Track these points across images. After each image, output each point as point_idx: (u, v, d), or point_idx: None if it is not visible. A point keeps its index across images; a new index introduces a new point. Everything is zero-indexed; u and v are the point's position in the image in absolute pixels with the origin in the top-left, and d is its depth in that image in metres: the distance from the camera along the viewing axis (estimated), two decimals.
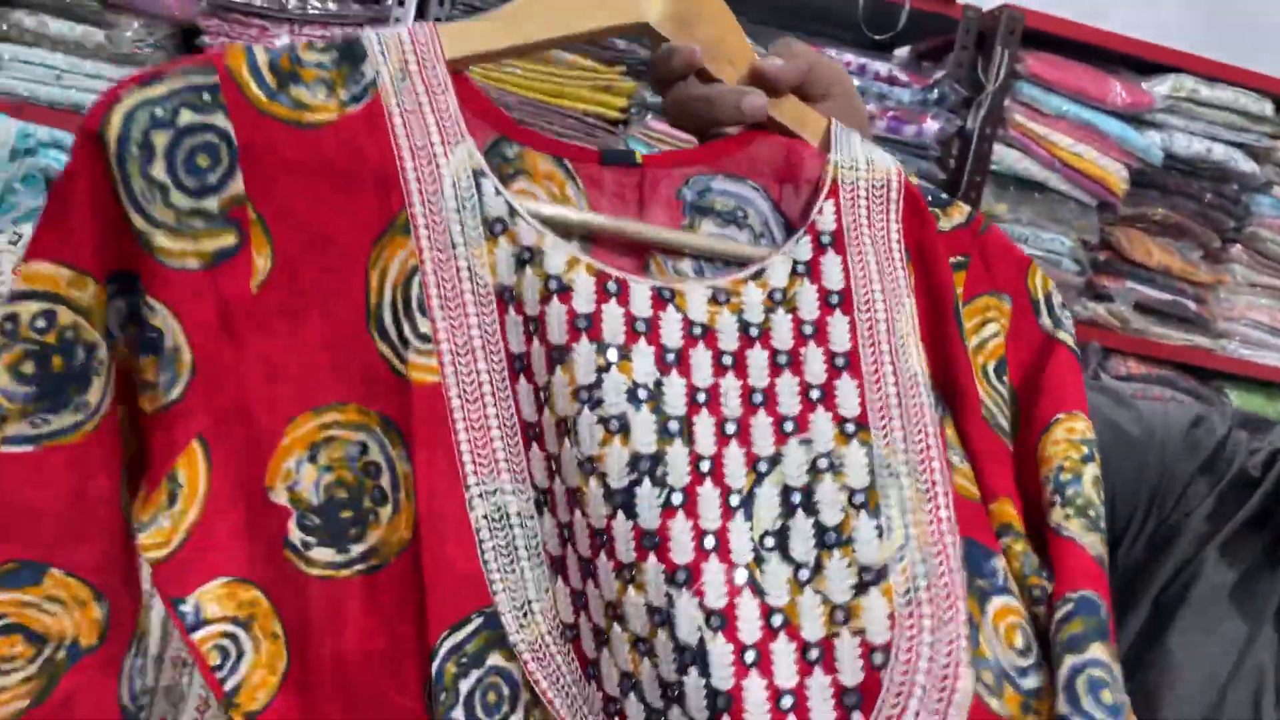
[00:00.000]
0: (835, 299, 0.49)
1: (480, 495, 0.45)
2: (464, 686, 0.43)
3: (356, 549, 0.45)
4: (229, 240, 0.44)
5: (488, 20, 0.50)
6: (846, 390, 0.48)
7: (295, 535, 0.44)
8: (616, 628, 0.44)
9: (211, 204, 0.44)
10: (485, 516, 0.45)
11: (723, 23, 0.53)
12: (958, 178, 1.66)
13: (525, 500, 0.46)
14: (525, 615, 0.45)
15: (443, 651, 0.43)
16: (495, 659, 0.44)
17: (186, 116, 0.43)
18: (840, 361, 0.49)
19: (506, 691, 0.44)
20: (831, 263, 0.50)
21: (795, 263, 0.50)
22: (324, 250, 0.45)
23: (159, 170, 0.43)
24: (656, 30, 0.51)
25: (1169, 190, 1.77)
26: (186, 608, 0.42)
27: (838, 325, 0.49)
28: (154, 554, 0.42)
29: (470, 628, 0.44)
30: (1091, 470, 0.51)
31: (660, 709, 0.43)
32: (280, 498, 0.44)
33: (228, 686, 0.42)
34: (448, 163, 0.46)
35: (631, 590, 0.43)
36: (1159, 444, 0.75)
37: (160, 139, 0.43)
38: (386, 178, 0.46)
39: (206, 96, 0.44)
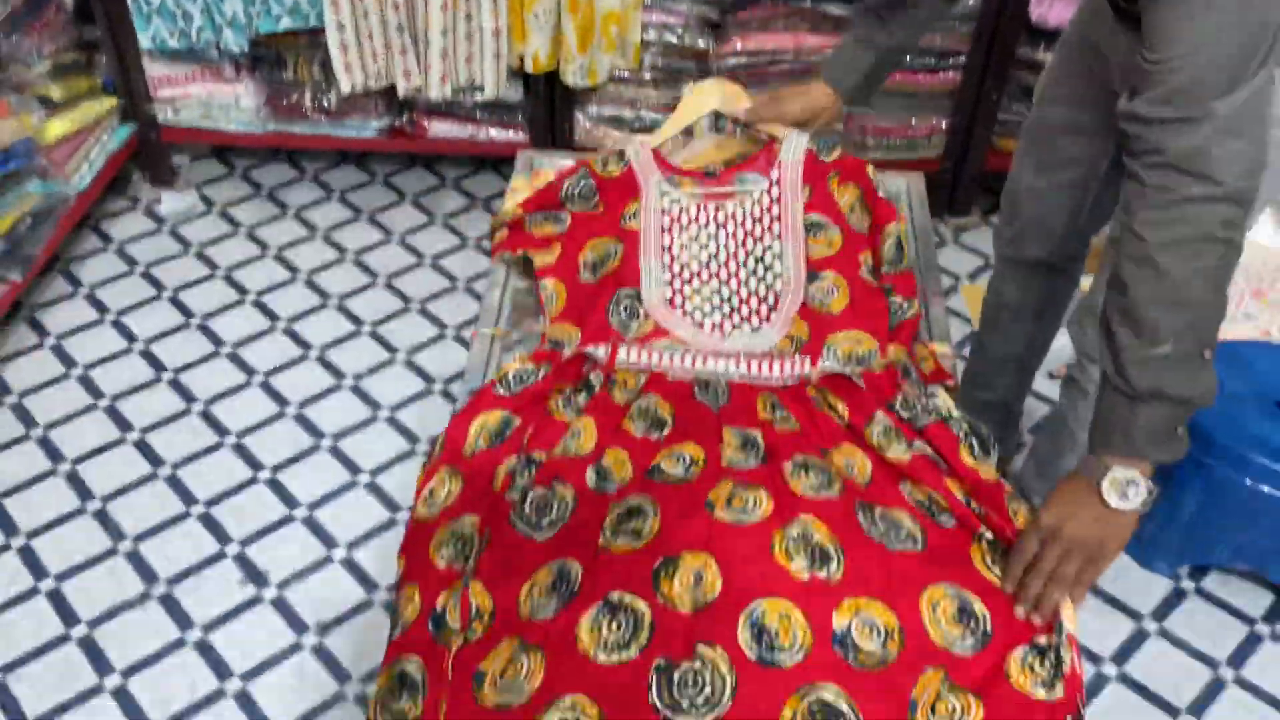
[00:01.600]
0: (775, 200, 1.52)
1: (643, 259, 1.48)
2: (622, 311, 1.46)
3: (595, 276, 1.51)
4: (592, 206, 1.54)
5: (659, 134, 1.64)
6: (776, 228, 1.50)
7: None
8: (688, 289, 1.49)
9: (590, 201, 1.54)
10: (644, 268, 1.47)
11: (740, 99, 1.65)
12: None
13: (658, 263, 1.47)
14: (647, 288, 1.45)
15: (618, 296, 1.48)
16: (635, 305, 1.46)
17: (582, 181, 1.54)
18: (776, 220, 1.51)
19: (632, 316, 1.45)
20: (774, 189, 1.52)
21: (763, 188, 1.52)
22: (612, 205, 1.52)
23: (573, 195, 1.54)
24: (718, 106, 1.64)
25: None
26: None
27: (774, 210, 1.51)
28: (540, 264, 1.55)
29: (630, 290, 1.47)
30: (903, 249, 1.51)
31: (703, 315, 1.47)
32: (580, 261, 1.51)
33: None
34: (651, 180, 1.53)
35: (707, 274, 1.50)
36: None
37: (575, 188, 1.54)
38: (635, 188, 1.52)
39: (585, 173, 1.54)
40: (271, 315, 2.23)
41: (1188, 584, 1.74)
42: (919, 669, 1.09)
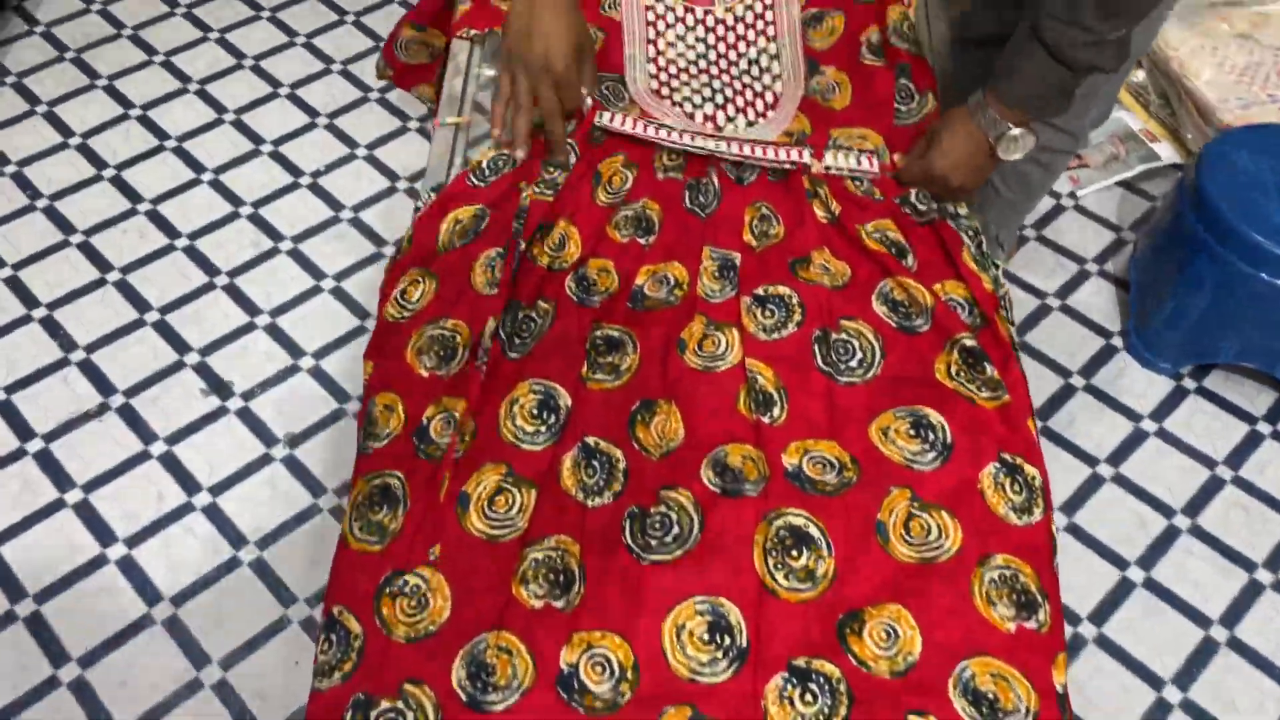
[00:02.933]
0: (769, 6, 1.41)
1: (627, 45, 1.34)
2: (605, 91, 1.30)
3: None
4: None
5: None
6: (770, 30, 1.34)
7: None
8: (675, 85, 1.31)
9: None
10: (628, 55, 1.28)
11: None
12: None
13: (643, 53, 1.29)
14: (632, 75, 1.26)
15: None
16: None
17: None
18: (771, 24, 1.35)
19: (617, 98, 1.31)
20: None
21: None
22: None
23: None
24: None
25: None
26: None
27: (768, 15, 1.39)
28: None
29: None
30: (908, 23, 1.31)
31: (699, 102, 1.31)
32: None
33: None
34: None
35: (696, 70, 1.33)
36: None
37: None
38: None
39: None
40: (218, 106, 2.05)
41: (1189, 383, 1.69)
42: (882, 489, 1.04)
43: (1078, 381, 1.68)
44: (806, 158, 1.30)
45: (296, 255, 1.80)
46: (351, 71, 2.11)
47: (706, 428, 1.07)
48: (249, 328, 1.70)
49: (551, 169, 1.26)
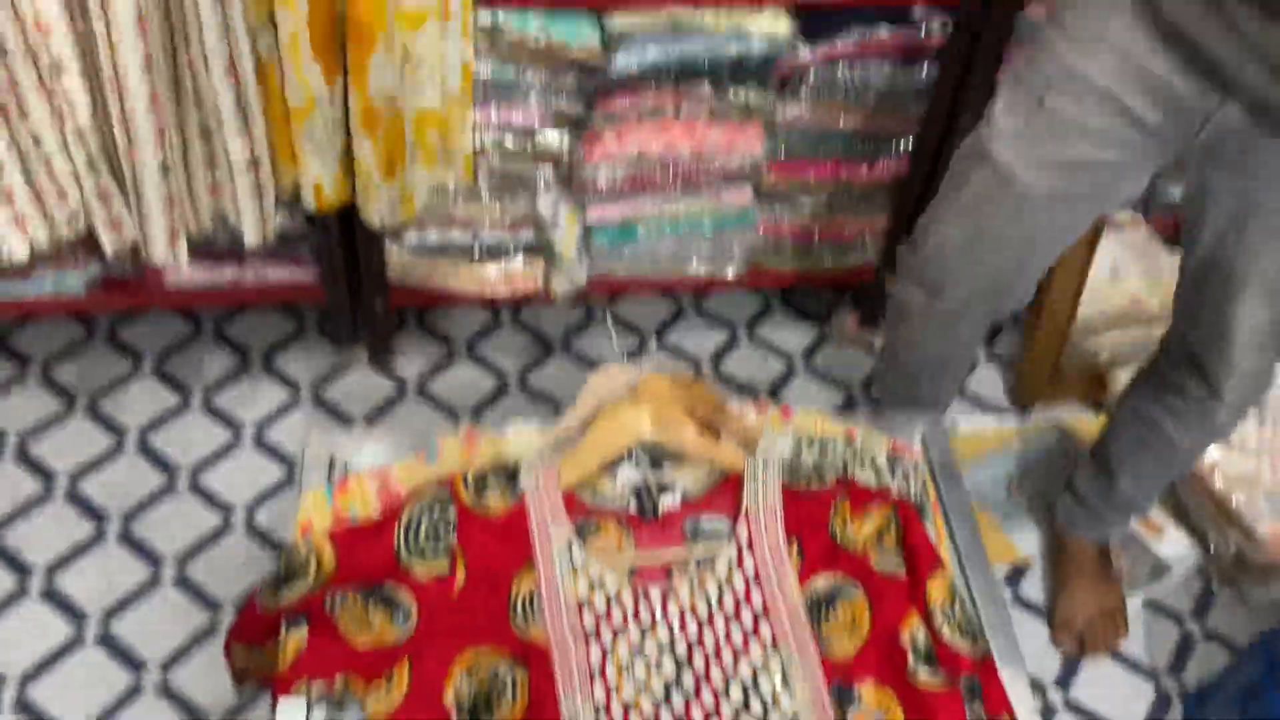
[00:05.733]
0: (752, 579, 0.94)
1: (565, 700, 0.87)
2: None
3: None
4: (446, 568, 0.91)
5: (568, 462, 0.98)
6: (764, 628, 0.92)
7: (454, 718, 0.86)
8: None
9: (442, 548, 0.91)
10: (564, 712, 0.87)
11: (679, 422, 1.00)
12: None
13: (588, 705, 0.87)
14: None
15: None
16: None
17: (436, 512, 0.93)
18: (762, 615, 0.93)
19: None
20: (747, 558, 0.95)
21: (729, 559, 0.95)
22: (491, 576, 0.92)
23: (421, 534, 0.92)
24: (652, 439, 1.00)
25: None
26: None
27: (755, 597, 0.93)
28: (374, 711, 0.85)
29: None
30: (958, 601, 0.94)
31: None
32: (449, 699, 0.86)
33: None
34: (555, 534, 0.94)
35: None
36: None
37: (421, 526, 0.92)
38: (526, 542, 0.93)
39: (445, 498, 0.93)
40: None
41: None
42: None
43: None
44: None
45: None
46: (134, 533, 1.55)
47: None
48: None
49: None
